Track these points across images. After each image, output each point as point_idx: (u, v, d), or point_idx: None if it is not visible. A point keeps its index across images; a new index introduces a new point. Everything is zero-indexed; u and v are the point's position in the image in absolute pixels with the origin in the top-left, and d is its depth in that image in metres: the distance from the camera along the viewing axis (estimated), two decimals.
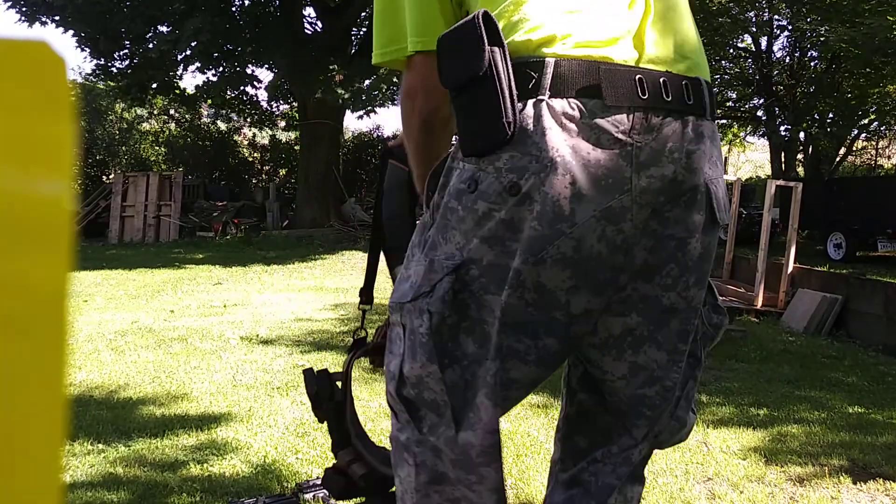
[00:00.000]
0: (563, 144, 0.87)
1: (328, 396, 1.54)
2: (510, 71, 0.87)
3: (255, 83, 13.66)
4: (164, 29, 12.06)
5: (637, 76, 0.90)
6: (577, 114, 0.87)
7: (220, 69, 12.78)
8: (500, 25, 0.90)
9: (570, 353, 1.06)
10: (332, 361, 4.21)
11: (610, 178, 0.88)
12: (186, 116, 18.72)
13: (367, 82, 12.27)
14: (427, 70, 0.97)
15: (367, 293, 1.68)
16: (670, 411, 1.07)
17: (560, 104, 0.88)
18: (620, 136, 0.88)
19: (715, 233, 1.01)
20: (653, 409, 1.06)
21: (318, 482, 2.32)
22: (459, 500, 0.98)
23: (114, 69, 13.23)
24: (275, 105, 16.63)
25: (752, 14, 13.95)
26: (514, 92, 0.87)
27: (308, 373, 1.57)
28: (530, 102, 0.88)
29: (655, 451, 2.93)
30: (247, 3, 12.88)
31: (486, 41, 0.86)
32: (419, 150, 1.08)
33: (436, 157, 1.05)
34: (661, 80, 0.91)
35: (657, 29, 0.95)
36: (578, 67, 0.88)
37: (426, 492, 0.99)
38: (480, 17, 0.87)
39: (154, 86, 13.54)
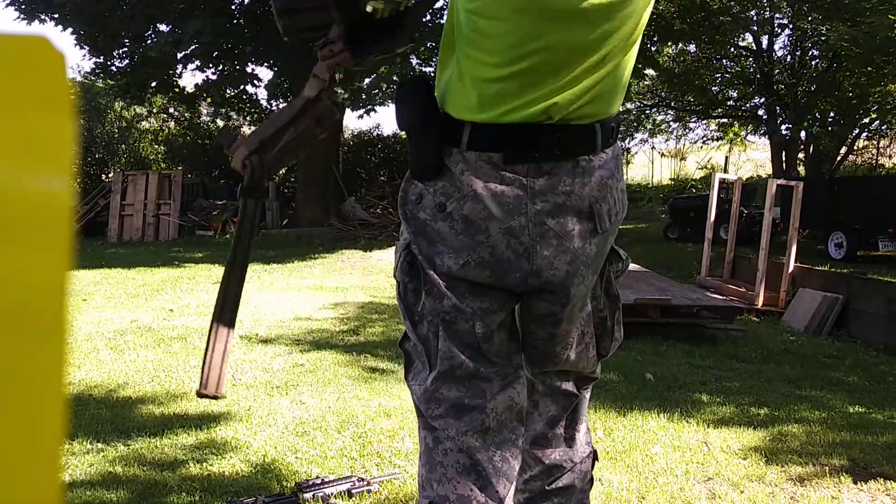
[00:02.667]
0: (476, 182, 1.21)
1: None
2: (441, 124, 1.24)
3: (255, 82, 13.66)
4: (163, 28, 12.05)
5: (539, 136, 1.20)
6: (486, 164, 1.21)
7: (220, 68, 12.77)
8: (441, 87, 1.26)
9: (507, 308, 1.34)
10: (331, 361, 4.21)
11: (511, 205, 1.21)
12: (186, 115, 18.70)
13: (366, 81, 12.28)
14: None
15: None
16: (591, 347, 1.43)
17: (473, 156, 1.21)
18: (520, 177, 1.21)
19: (603, 236, 1.31)
20: (560, 359, 1.40)
21: (318, 481, 2.32)
22: (435, 429, 1.29)
23: (113, 68, 13.22)
24: (274, 104, 16.61)
25: (753, 13, 13.94)
26: (444, 141, 1.23)
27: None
28: (455, 150, 1.23)
29: (655, 451, 2.91)
30: (246, 1, 12.87)
31: (424, 101, 1.25)
32: None
33: None
34: (558, 136, 1.21)
35: (572, 89, 1.19)
36: (489, 131, 1.21)
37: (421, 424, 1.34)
38: (419, 81, 1.28)
39: (153, 84, 13.53)
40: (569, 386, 1.46)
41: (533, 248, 1.23)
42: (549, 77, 1.17)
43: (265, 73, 27.88)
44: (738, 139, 19.39)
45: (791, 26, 14.19)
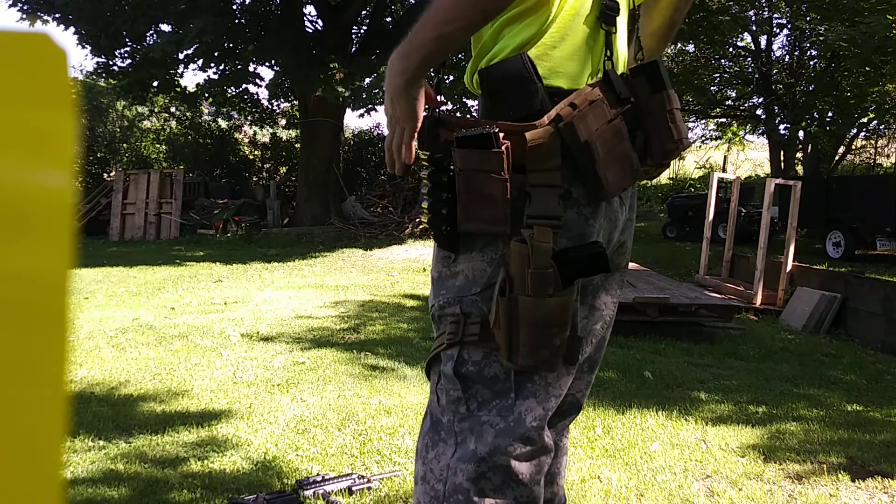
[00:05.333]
0: None
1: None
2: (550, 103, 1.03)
3: (257, 81, 13.65)
4: (165, 27, 12.04)
5: None
6: None
7: (222, 67, 12.77)
8: (554, 60, 1.06)
9: None
10: (332, 359, 4.22)
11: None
12: (187, 114, 18.70)
13: (367, 80, 12.27)
14: None
15: None
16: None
17: None
18: None
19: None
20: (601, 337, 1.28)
21: (319, 479, 2.33)
22: (485, 472, 1.07)
23: (115, 67, 13.21)
24: (275, 103, 16.60)
25: (751, 13, 13.93)
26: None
27: None
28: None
29: (654, 449, 2.92)
30: (248, 1, 12.86)
31: (537, 81, 1.01)
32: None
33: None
34: None
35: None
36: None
37: (455, 468, 1.08)
38: (526, 57, 1.01)
39: (155, 84, 13.52)
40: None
41: (622, 224, 1.20)
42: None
43: (266, 73, 27.87)
44: (737, 139, 19.36)
45: (789, 26, 14.17)
